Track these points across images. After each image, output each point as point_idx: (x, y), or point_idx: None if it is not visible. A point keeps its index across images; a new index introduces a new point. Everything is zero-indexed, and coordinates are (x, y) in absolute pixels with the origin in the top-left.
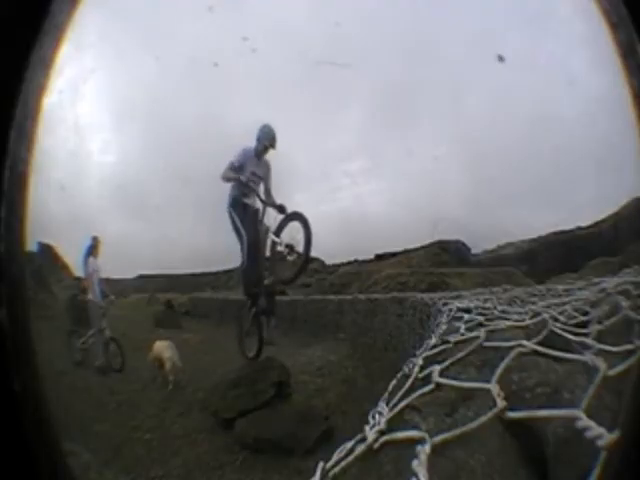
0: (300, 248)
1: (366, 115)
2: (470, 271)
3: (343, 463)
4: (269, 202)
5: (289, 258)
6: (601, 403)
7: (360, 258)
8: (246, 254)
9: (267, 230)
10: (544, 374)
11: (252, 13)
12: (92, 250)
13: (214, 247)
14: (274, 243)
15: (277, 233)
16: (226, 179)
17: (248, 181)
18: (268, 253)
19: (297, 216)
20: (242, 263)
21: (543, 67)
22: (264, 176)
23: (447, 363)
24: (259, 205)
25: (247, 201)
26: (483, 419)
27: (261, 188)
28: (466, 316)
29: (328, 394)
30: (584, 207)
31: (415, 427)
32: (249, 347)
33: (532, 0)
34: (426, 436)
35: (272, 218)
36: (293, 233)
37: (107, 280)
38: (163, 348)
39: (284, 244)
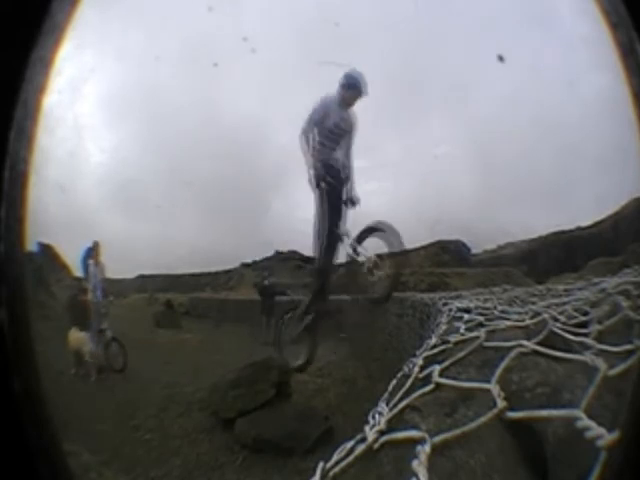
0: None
1: (366, 115)
2: (470, 271)
3: (343, 463)
4: (351, 194)
5: (376, 273)
6: (601, 403)
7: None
8: (325, 239)
9: (346, 233)
10: (544, 374)
11: (252, 13)
12: (91, 254)
13: (214, 247)
14: (355, 250)
15: (359, 241)
16: (304, 143)
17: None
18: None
19: (385, 227)
20: (319, 244)
21: (543, 67)
22: (349, 130)
23: (447, 363)
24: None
25: (330, 179)
26: (483, 419)
27: (342, 147)
28: (466, 316)
29: (328, 394)
30: (584, 207)
31: (415, 427)
32: (293, 354)
33: (532, 0)
34: (426, 436)
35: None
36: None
37: (107, 280)
38: (81, 341)
39: (372, 258)
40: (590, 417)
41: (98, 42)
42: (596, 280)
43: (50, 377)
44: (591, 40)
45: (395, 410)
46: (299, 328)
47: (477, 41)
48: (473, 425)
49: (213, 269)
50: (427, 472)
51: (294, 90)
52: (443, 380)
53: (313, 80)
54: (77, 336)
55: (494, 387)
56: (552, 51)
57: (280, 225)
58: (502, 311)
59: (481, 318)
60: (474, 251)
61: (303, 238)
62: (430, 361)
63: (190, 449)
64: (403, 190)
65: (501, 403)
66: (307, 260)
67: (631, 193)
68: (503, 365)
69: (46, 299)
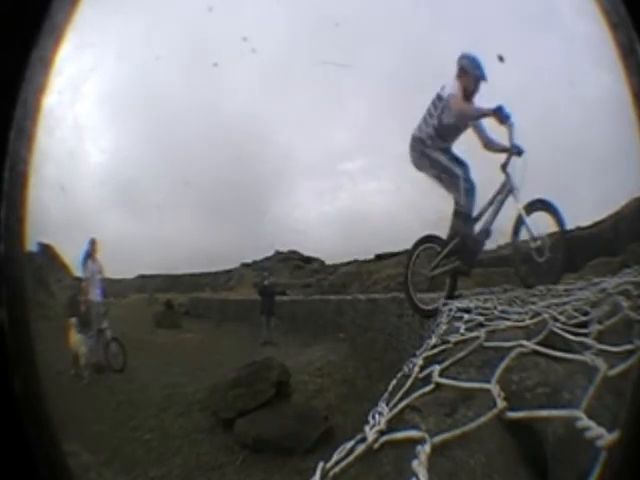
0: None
1: (366, 115)
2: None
3: (343, 463)
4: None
5: (537, 259)
6: (601, 403)
7: (360, 258)
8: (465, 195)
9: (518, 188)
10: (544, 374)
11: (252, 13)
12: (90, 253)
13: (214, 247)
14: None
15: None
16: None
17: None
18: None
19: (546, 205)
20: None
21: (543, 67)
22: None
23: (447, 363)
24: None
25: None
26: (483, 419)
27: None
28: (466, 316)
29: (328, 394)
30: (584, 207)
31: (415, 427)
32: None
33: (533, 0)
34: (426, 436)
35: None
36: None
37: (107, 280)
38: (79, 343)
39: (537, 239)
40: (590, 417)
41: (98, 42)
42: (596, 280)
43: (50, 377)
44: (591, 40)
45: (395, 410)
46: (440, 270)
47: (477, 41)
48: (473, 425)
49: (213, 269)
50: (427, 472)
51: (294, 89)
52: (443, 380)
53: (313, 80)
54: (75, 338)
55: (494, 387)
56: (552, 51)
57: (280, 225)
58: (502, 311)
59: (481, 318)
60: None
61: (303, 238)
62: (430, 361)
63: (190, 449)
64: (403, 190)
65: (501, 403)
66: (307, 260)
67: (631, 193)
68: (503, 365)
69: (46, 299)
